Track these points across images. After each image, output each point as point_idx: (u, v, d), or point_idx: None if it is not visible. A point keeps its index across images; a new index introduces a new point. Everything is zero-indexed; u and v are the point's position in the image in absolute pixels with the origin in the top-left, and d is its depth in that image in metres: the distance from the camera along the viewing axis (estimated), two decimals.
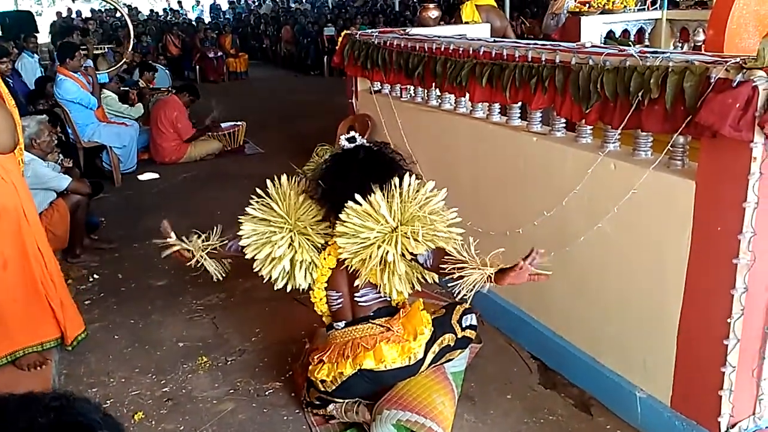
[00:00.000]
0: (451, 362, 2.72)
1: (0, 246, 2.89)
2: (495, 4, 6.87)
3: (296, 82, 13.99)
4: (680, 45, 5.80)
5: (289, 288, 2.67)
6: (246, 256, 2.63)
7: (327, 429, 2.68)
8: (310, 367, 2.64)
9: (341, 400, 2.62)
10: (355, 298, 2.59)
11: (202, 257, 2.73)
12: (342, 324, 2.61)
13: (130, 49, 8.16)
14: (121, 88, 7.82)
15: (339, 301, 2.62)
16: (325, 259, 2.62)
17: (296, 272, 2.61)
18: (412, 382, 2.58)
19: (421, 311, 2.58)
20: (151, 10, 23.76)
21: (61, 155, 4.85)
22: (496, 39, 3.79)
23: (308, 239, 2.61)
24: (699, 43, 4.73)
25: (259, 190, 2.68)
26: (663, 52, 2.31)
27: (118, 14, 20.25)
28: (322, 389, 2.60)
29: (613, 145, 2.58)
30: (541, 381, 2.93)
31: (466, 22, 6.12)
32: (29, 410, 0.61)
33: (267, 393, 2.94)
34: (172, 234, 2.76)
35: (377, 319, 2.56)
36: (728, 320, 2.15)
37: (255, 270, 2.65)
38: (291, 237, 2.58)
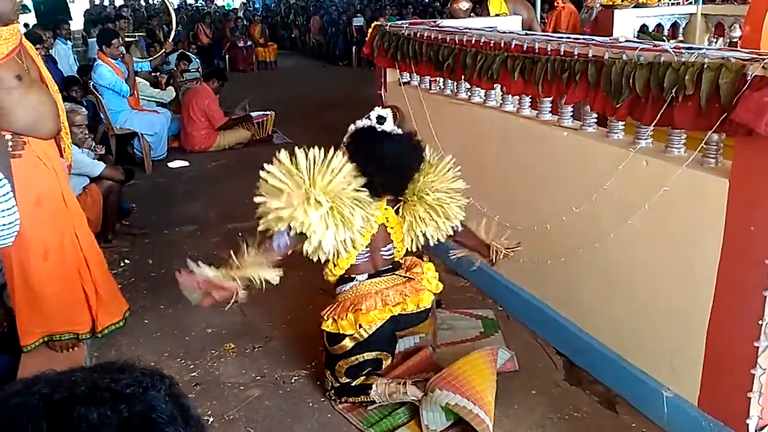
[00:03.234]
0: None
1: (41, 234, 2.93)
2: None
3: (324, 72, 14.02)
4: (715, 40, 5.70)
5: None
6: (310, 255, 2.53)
7: (360, 414, 2.71)
8: (341, 322, 2.65)
9: (372, 353, 2.68)
10: (381, 252, 2.73)
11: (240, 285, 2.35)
12: (364, 276, 2.70)
13: (171, 39, 8.24)
14: (152, 74, 7.92)
15: (366, 256, 2.71)
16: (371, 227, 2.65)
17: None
18: (469, 364, 2.62)
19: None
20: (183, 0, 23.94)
21: (93, 142, 4.94)
22: (528, 32, 3.76)
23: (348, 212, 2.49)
24: (735, 39, 4.65)
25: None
26: (698, 48, 2.28)
27: (150, 1, 20.50)
28: (355, 339, 2.63)
29: (645, 142, 2.56)
30: (567, 377, 2.92)
31: (496, 15, 6.07)
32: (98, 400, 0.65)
33: (293, 380, 2.98)
34: (206, 270, 2.28)
35: (397, 271, 2.76)
36: (759, 321, 2.12)
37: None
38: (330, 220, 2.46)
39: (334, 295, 2.77)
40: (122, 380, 0.67)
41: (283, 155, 2.48)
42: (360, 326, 2.63)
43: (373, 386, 2.69)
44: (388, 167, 2.58)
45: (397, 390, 2.65)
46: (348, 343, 2.65)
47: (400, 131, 2.68)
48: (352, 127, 2.68)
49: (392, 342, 2.79)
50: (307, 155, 2.47)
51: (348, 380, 2.72)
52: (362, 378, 2.73)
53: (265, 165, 2.47)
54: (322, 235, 2.42)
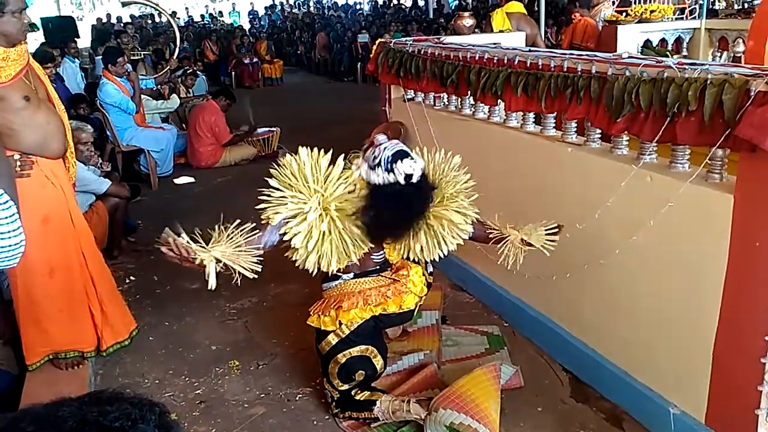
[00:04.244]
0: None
1: (48, 252, 2.94)
2: (525, 12, 6.81)
3: (330, 88, 14.10)
4: (719, 55, 5.72)
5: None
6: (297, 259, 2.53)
7: (370, 430, 2.70)
8: (323, 317, 2.69)
9: (357, 348, 2.67)
10: (372, 257, 2.74)
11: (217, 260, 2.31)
12: (350, 275, 2.73)
13: (175, 56, 8.30)
14: (153, 89, 8.00)
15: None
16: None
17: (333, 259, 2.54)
18: (472, 381, 2.60)
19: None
20: (190, 17, 24.15)
21: (100, 159, 4.97)
22: (531, 48, 3.77)
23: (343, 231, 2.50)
24: (739, 54, 4.66)
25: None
26: (701, 64, 2.28)
27: (156, 20, 20.69)
28: (338, 336, 2.66)
29: (649, 157, 2.55)
30: (573, 394, 2.90)
31: (500, 31, 6.10)
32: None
33: (297, 398, 2.97)
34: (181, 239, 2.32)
35: (383, 273, 2.77)
36: (766, 337, 2.10)
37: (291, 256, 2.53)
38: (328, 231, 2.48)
39: (321, 290, 2.81)
40: (110, 413, 0.66)
41: (305, 153, 2.57)
42: (340, 323, 2.66)
43: (377, 403, 2.68)
44: (401, 226, 2.56)
45: (401, 408, 2.64)
46: (332, 339, 2.68)
47: (422, 185, 2.51)
48: (375, 177, 2.48)
49: (376, 337, 2.79)
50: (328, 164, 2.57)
51: (345, 387, 2.71)
52: (366, 393, 2.72)
53: (289, 156, 2.56)
54: (313, 248, 2.44)
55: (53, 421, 0.64)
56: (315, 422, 2.80)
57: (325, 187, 2.47)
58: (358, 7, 25.18)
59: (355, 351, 2.68)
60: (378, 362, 2.75)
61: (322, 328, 2.70)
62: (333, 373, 2.71)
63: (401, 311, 2.73)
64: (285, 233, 2.44)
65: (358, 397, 2.72)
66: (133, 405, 0.69)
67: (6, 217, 1.24)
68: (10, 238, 1.24)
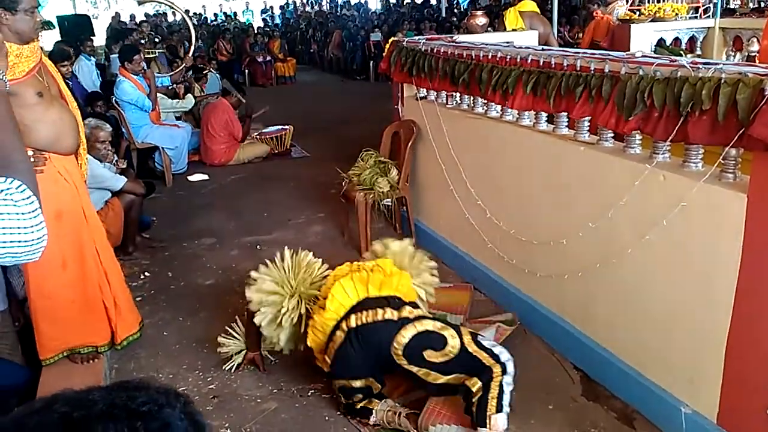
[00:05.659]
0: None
1: (61, 246, 2.97)
2: (538, 10, 6.79)
3: (342, 86, 14.13)
4: (733, 54, 5.68)
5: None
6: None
7: (375, 429, 2.72)
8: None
9: (354, 382, 2.67)
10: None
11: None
12: None
13: (191, 54, 8.34)
14: (170, 88, 8.06)
15: None
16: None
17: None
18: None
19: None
20: (204, 16, 24.25)
21: (116, 156, 5.02)
22: (544, 47, 3.77)
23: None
24: (753, 54, 4.63)
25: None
26: (715, 63, 2.28)
27: (170, 18, 20.80)
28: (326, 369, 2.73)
29: (663, 156, 2.55)
30: (584, 392, 2.91)
31: (513, 30, 6.09)
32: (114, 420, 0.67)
33: (309, 394, 2.99)
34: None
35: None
36: None
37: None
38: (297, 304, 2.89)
39: None
40: (138, 398, 0.69)
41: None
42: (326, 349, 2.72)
43: (373, 411, 2.71)
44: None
45: (393, 420, 2.67)
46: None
47: None
48: None
49: (367, 367, 2.68)
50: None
51: (346, 400, 2.74)
52: (364, 402, 2.74)
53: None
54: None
55: (84, 404, 0.67)
56: (326, 417, 2.82)
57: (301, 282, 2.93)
58: (370, 5, 25.16)
59: (351, 384, 2.68)
60: (375, 389, 2.74)
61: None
62: (335, 387, 2.77)
63: (370, 322, 2.63)
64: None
65: (357, 406, 2.74)
66: (160, 392, 0.72)
67: (30, 212, 1.26)
68: (33, 232, 1.26)
